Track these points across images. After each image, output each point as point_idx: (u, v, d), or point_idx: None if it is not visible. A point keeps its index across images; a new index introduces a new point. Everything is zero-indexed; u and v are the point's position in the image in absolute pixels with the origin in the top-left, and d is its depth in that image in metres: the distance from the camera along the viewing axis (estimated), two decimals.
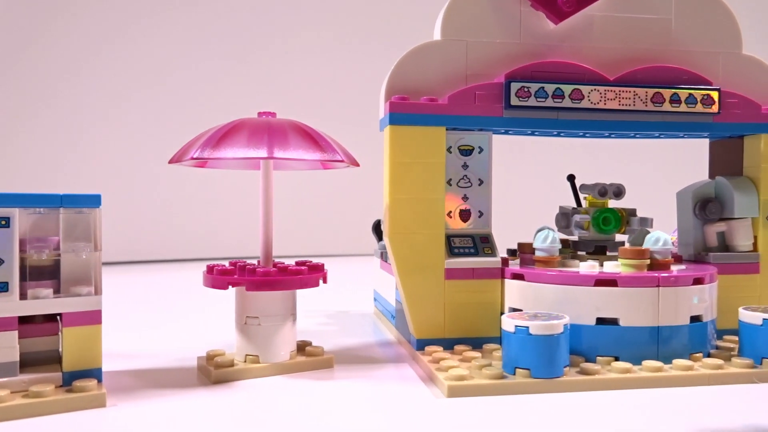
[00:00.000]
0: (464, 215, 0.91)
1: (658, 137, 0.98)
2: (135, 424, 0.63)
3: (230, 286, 0.78)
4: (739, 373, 0.77)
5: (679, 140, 1.07)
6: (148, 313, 1.30)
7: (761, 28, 2.45)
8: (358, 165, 0.85)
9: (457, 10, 0.90)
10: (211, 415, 0.66)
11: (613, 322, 0.80)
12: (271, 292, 0.79)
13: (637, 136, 0.97)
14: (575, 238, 0.96)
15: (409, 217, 0.86)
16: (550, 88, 0.88)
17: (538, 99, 0.87)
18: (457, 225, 0.91)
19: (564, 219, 0.93)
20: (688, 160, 1.09)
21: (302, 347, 0.85)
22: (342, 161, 0.78)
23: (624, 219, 0.93)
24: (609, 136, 0.97)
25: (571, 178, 0.99)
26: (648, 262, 0.84)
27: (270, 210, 0.84)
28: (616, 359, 0.79)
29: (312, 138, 0.78)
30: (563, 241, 0.98)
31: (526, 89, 0.87)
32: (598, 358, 0.79)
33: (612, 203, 0.97)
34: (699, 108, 0.91)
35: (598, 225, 0.92)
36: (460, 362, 0.79)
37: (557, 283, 0.82)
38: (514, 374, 0.74)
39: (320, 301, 1.35)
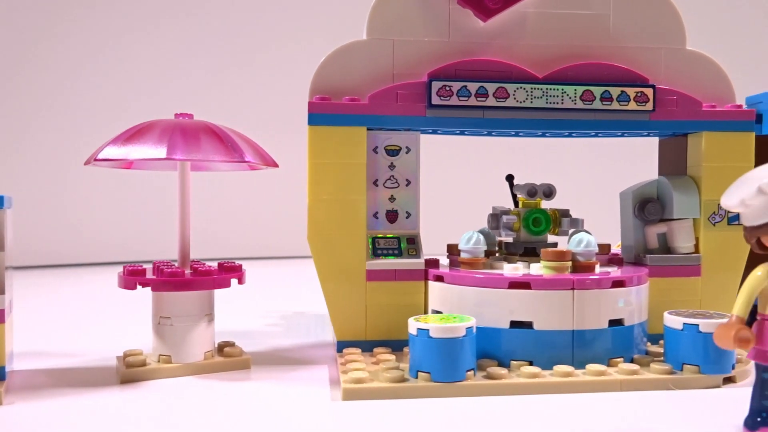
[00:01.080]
0: (391, 216, 0.90)
1: (595, 136, 0.95)
2: (26, 422, 0.63)
3: (139, 286, 0.78)
4: (654, 379, 0.74)
5: (641, 139, 1.04)
6: (75, 315, 1.30)
7: (708, 22, 2.39)
8: (276, 166, 0.85)
9: (383, 8, 0.89)
10: (106, 413, 0.66)
11: (528, 325, 0.78)
12: (183, 292, 0.79)
13: (573, 135, 0.95)
14: (510, 239, 0.94)
15: (330, 218, 0.86)
16: (473, 86, 0.86)
17: (461, 98, 0.86)
18: (383, 226, 0.90)
19: (494, 220, 0.92)
20: (652, 159, 1.06)
21: (222, 348, 0.86)
22: (248, 162, 0.78)
23: (556, 220, 0.91)
24: (543, 135, 0.95)
25: (509, 179, 0.97)
26: (569, 264, 0.82)
27: (187, 211, 0.84)
28: (531, 364, 0.77)
29: (221, 139, 0.78)
30: (500, 243, 0.96)
31: (447, 88, 0.86)
32: (512, 362, 0.77)
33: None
34: (632, 106, 0.88)
35: (528, 226, 0.90)
36: (372, 365, 0.78)
37: (472, 286, 0.81)
38: (417, 378, 0.72)
39: (280, 302, 1.35)
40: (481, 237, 0.86)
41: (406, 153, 0.91)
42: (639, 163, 1.27)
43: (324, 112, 0.85)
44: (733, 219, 0.92)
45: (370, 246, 0.88)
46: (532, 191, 0.91)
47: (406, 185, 0.91)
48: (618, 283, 0.80)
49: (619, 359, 0.79)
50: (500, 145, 1.40)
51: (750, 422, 0.59)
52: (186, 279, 0.78)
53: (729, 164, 0.91)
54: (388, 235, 0.90)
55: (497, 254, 0.96)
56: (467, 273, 0.82)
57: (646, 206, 0.92)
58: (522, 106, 0.87)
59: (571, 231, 0.89)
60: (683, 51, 0.94)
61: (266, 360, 0.88)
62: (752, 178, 0.57)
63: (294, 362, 0.87)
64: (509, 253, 0.92)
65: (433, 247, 1.02)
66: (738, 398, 0.69)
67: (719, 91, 0.94)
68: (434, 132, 0.92)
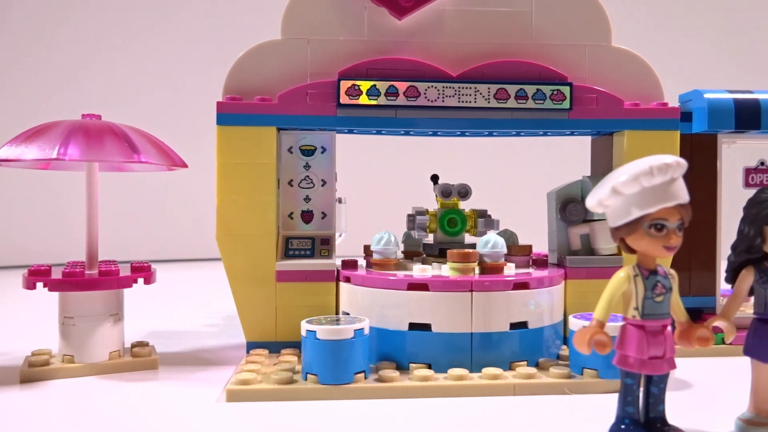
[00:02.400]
0: (306, 217, 0.90)
1: (516, 135, 0.94)
2: None
3: (38, 286, 0.79)
4: (549, 383, 0.72)
5: (584, 138, 1.02)
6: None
7: (634, 19, 2.33)
8: (185, 166, 0.85)
9: (298, 8, 0.89)
10: None
11: (426, 327, 0.77)
12: (86, 292, 0.79)
13: (494, 134, 0.93)
14: (430, 240, 0.93)
15: (239, 218, 0.85)
16: (383, 85, 0.85)
17: (370, 97, 0.85)
18: (298, 226, 0.89)
19: (411, 221, 0.91)
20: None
21: (133, 348, 0.86)
22: (145, 162, 0.78)
23: (473, 220, 0.90)
24: (462, 135, 0.93)
25: (434, 179, 0.96)
26: (474, 265, 0.80)
27: (95, 212, 0.84)
28: (429, 367, 0.76)
29: (122, 140, 0.78)
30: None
31: (356, 87, 0.85)
32: (411, 365, 0.76)
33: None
34: (549, 104, 0.87)
35: (444, 227, 0.89)
36: (272, 366, 0.78)
37: (373, 287, 0.80)
38: (306, 379, 0.72)
39: (203, 303, 1.36)
40: (393, 237, 0.85)
41: (322, 153, 0.90)
42: (581, 164, 1.24)
43: (233, 112, 0.85)
44: None
45: (284, 246, 0.88)
46: (446, 191, 0.90)
47: (322, 185, 0.90)
48: (521, 285, 0.78)
49: (521, 363, 0.77)
50: (443, 144, 1.39)
51: (614, 430, 0.57)
52: (83, 279, 0.78)
53: None
54: (303, 236, 0.89)
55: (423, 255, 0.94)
56: (369, 274, 0.81)
57: (567, 207, 0.90)
58: (434, 105, 0.85)
59: (478, 231, 0.88)
60: (609, 48, 0.92)
61: (177, 360, 0.87)
62: (610, 177, 0.55)
63: (204, 363, 0.87)
64: (427, 253, 0.91)
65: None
66: None
67: (647, 89, 0.92)
68: (350, 132, 0.92)
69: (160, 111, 2.15)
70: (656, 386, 0.57)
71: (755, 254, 0.58)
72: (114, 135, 0.79)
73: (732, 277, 0.60)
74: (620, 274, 0.56)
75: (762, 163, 0.95)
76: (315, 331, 0.71)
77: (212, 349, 0.94)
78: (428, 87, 0.85)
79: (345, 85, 0.85)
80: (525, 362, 0.77)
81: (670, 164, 0.53)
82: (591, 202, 0.56)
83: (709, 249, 0.95)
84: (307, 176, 0.90)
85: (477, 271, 0.81)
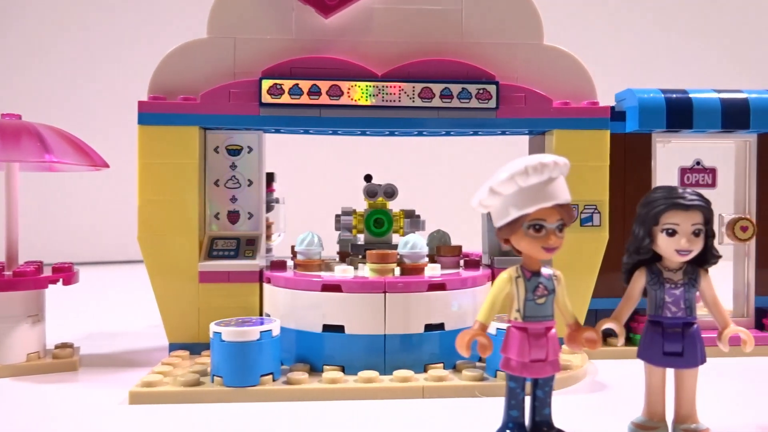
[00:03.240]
0: (233, 217, 0.89)
1: (446, 134, 0.93)
2: None
3: None
4: (459, 386, 0.71)
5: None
6: None
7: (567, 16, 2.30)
8: (106, 166, 0.84)
9: (224, 6, 0.88)
10: None
11: (340, 329, 0.76)
12: (3, 293, 0.79)
13: (425, 133, 0.92)
14: (360, 241, 0.92)
15: (160, 218, 0.84)
16: (305, 84, 0.84)
17: (293, 96, 0.84)
18: (224, 227, 0.89)
19: (337, 221, 0.90)
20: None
21: (56, 349, 0.85)
22: (62, 162, 0.77)
23: (400, 220, 0.89)
24: (392, 134, 0.92)
25: (367, 178, 0.95)
26: (393, 266, 0.79)
27: (14, 213, 0.84)
28: (343, 369, 0.75)
29: (37, 140, 0.78)
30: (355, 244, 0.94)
31: (278, 86, 0.84)
32: (325, 367, 0.76)
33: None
34: (474, 103, 0.86)
35: (370, 227, 0.88)
36: (186, 368, 0.77)
37: (290, 288, 0.79)
38: (213, 382, 0.71)
39: (134, 305, 1.32)
40: (317, 238, 0.84)
41: (248, 153, 0.89)
42: None
43: (154, 112, 0.84)
44: (586, 220, 0.89)
45: (208, 247, 0.87)
46: (372, 192, 0.89)
47: (248, 185, 0.89)
48: (438, 287, 0.77)
49: (438, 365, 0.76)
50: (393, 143, 1.38)
51: None
52: None
53: (582, 163, 0.88)
54: (228, 236, 0.88)
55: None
56: (286, 275, 0.81)
57: None
58: (357, 104, 0.85)
59: (406, 231, 0.87)
60: (540, 46, 0.91)
61: (100, 362, 0.87)
62: (491, 177, 0.54)
63: (126, 365, 0.86)
64: (354, 254, 0.90)
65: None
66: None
67: (579, 88, 0.91)
68: (277, 131, 0.91)
69: (85, 111, 2.12)
70: (541, 389, 0.56)
71: (644, 255, 0.57)
72: (29, 135, 0.78)
73: (626, 278, 0.59)
74: (503, 276, 0.55)
75: (698, 163, 0.94)
76: (220, 333, 0.70)
77: (136, 351, 0.93)
78: (351, 86, 0.84)
79: (267, 84, 0.84)
80: (441, 364, 0.76)
81: (546, 164, 0.52)
82: (473, 203, 0.55)
83: None
84: (234, 176, 0.89)
85: (398, 272, 0.81)
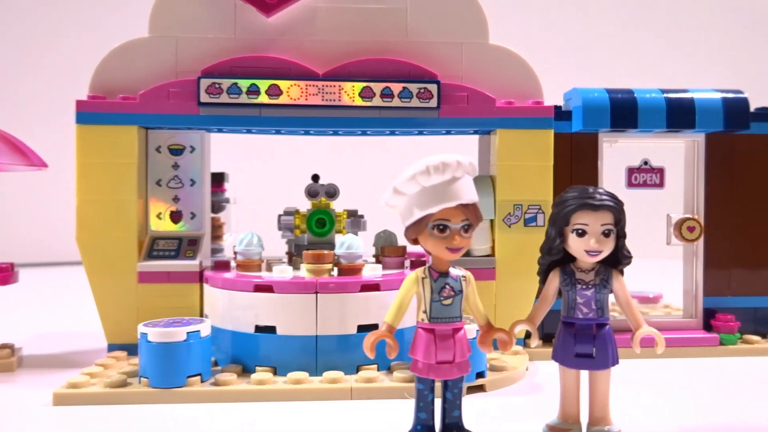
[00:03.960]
0: (175, 217, 0.89)
1: (391, 134, 0.92)
2: None
3: None
4: (388, 387, 0.71)
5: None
6: None
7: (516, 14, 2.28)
8: (45, 166, 0.84)
9: (166, 5, 0.87)
10: None
11: (272, 330, 0.75)
12: None
13: (369, 132, 0.92)
14: (305, 241, 0.91)
15: (98, 218, 0.84)
16: (244, 84, 0.84)
17: (231, 95, 0.84)
18: (167, 227, 0.88)
19: (279, 221, 0.89)
20: None
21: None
22: (4, 163, 0.77)
23: (343, 221, 0.88)
24: (336, 134, 0.92)
25: (314, 178, 0.95)
26: (328, 267, 0.79)
27: None
28: (274, 370, 0.75)
29: None
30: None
31: (217, 86, 0.84)
32: (258, 368, 0.75)
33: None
34: (416, 102, 0.85)
35: (312, 227, 0.87)
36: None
37: (224, 288, 0.78)
38: (140, 383, 0.71)
39: (78, 306, 1.32)
40: (256, 238, 0.84)
41: (191, 152, 0.89)
42: None
43: (93, 111, 0.84)
44: (530, 221, 0.88)
45: (149, 247, 0.86)
46: (313, 192, 0.89)
47: (191, 185, 0.89)
48: (371, 287, 0.77)
49: (371, 366, 0.76)
50: (351, 143, 1.37)
51: None
52: None
53: (525, 163, 0.88)
54: (170, 236, 0.88)
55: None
56: (221, 276, 0.80)
57: None
58: (297, 103, 0.84)
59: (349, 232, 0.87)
60: (485, 45, 0.90)
61: (40, 363, 0.86)
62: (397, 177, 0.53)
63: (65, 365, 0.85)
64: (296, 254, 0.90)
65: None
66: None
67: (525, 87, 0.90)
68: (219, 130, 0.90)
69: (24, 110, 2.09)
70: (450, 391, 0.55)
71: (555, 255, 0.56)
72: None
73: (542, 279, 0.59)
74: (411, 276, 0.55)
75: (645, 163, 0.93)
76: (146, 334, 0.70)
77: (77, 352, 0.92)
78: (291, 85, 0.84)
79: (205, 83, 0.83)
80: (375, 366, 0.76)
81: (448, 163, 0.51)
82: (381, 203, 0.55)
83: None
84: (176, 176, 0.88)
85: (335, 272, 0.80)
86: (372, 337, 0.53)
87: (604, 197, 0.55)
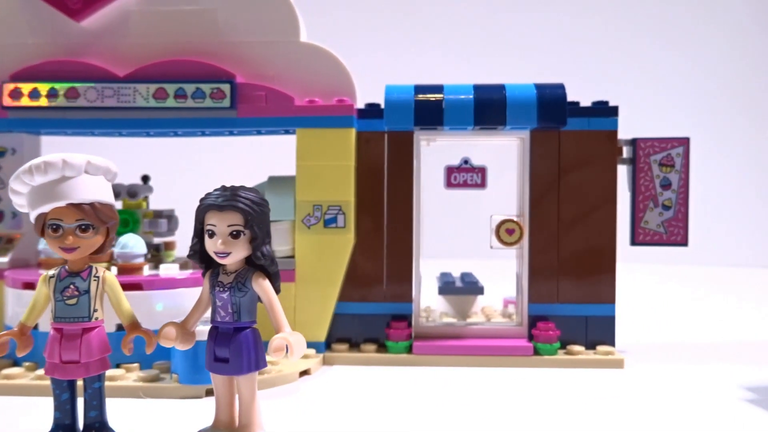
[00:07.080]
0: None
1: (175, 135, 0.92)
2: None
3: None
4: (125, 386, 0.71)
5: None
6: None
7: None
8: None
9: None
10: None
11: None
12: None
13: (152, 134, 0.92)
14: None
15: None
16: (43, 88, 0.86)
17: (32, 99, 0.86)
18: None
19: None
20: None
21: None
22: None
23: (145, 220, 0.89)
24: (149, 135, 0.93)
25: (144, 179, 0.96)
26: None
27: None
28: (38, 364, 0.76)
29: None
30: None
31: (18, 90, 0.86)
32: (25, 363, 0.77)
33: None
34: (209, 103, 0.85)
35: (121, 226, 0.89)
36: None
37: (8, 287, 0.81)
38: None
39: None
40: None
41: (12, 155, 0.92)
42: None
43: None
44: (330, 221, 0.86)
45: None
46: (131, 192, 0.90)
47: None
48: (133, 287, 0.77)
49: (132, 365, 0.76)
50: (274, 143, 1.37)
51: None
52: None
53: (325, 163, 0.86)
54: None
55: None
56: (12, 275, 0.82)
57: None
58: (93, 105, 0.86)
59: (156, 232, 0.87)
60: (297, 44, 0.89)
61: None
62: None
63: None
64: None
65: None
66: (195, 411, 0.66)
67: (337, 85, 0.89)
68: (38, 133, 0.93)
69: None
70: (86, 391, 0.55)
71: (194, 257, 0.55)
72: None
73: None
74: (42, 276, 0.55)
75: (465, 162, 0.89)
76: None
77: None
78: (88, 88, 0.86)
79: (8, 87, 0.86)
80: (138, 364, 0.76)
81: (51, 163, 0.51)
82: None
83: (405, 250, 0.89)
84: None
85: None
86: (2, 337, 0.54)
87: (230, 198, 0.53)
